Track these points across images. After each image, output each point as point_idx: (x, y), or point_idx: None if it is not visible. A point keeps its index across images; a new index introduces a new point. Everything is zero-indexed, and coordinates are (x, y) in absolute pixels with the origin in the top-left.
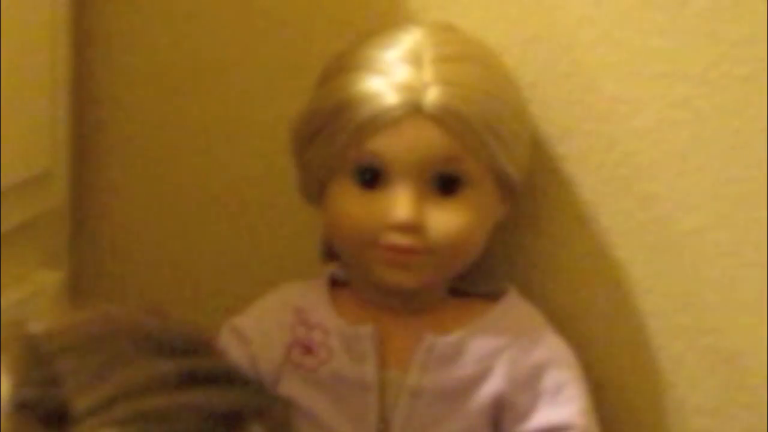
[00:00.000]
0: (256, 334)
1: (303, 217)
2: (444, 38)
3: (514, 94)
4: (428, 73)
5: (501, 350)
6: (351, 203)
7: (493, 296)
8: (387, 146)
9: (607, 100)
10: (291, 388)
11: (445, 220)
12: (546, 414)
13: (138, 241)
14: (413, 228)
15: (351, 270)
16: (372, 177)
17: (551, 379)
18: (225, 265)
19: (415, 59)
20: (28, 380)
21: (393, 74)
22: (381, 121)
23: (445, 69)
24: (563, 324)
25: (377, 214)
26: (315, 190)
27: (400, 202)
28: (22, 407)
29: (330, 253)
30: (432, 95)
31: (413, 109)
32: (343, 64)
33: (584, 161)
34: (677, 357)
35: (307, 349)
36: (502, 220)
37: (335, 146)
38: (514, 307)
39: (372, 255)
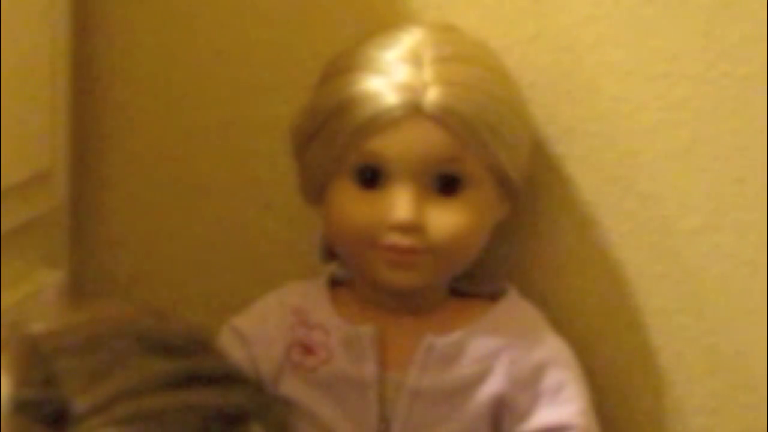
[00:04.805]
0: (256, 334)
1: (303, 217)
2: (444, 38)
3: (514, 94)
4: (428, 74)
5: (501, 350)
6: (351, 203)
7: (493, 296)
8: (387, 146)
9: (608, 100)
10: (291, 388)
11: (446, 220)
12: (546, 414)
13: (138, 241)
14: (413, 228)
15: (351, 270)
16: (372, 177)
17: (551, 379)
18: (225, 265)
19: (415, 59)
20: (28, 380)
21: (393, 74)
22: (381, 122)
23: (445, 69)
24: (563, 324)
25: (377, 214)
26: (315, 190)
27: (400, 202)
28: (22, 407)
29: (330, 253)
30: (432, 95)
31: (413, 110)
32: (343, 64)
33: (584, 161)
34: (677, 357)
35: (307, 349)
36: (502, 220)
37: (335, 146)
38: (514, 307)
39: (372, 255)
